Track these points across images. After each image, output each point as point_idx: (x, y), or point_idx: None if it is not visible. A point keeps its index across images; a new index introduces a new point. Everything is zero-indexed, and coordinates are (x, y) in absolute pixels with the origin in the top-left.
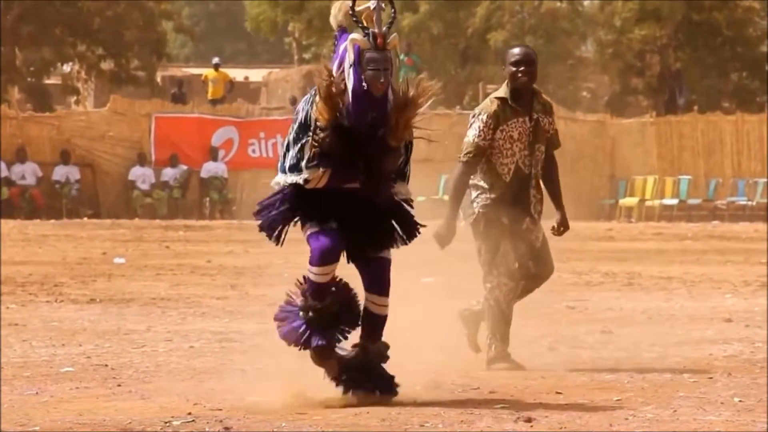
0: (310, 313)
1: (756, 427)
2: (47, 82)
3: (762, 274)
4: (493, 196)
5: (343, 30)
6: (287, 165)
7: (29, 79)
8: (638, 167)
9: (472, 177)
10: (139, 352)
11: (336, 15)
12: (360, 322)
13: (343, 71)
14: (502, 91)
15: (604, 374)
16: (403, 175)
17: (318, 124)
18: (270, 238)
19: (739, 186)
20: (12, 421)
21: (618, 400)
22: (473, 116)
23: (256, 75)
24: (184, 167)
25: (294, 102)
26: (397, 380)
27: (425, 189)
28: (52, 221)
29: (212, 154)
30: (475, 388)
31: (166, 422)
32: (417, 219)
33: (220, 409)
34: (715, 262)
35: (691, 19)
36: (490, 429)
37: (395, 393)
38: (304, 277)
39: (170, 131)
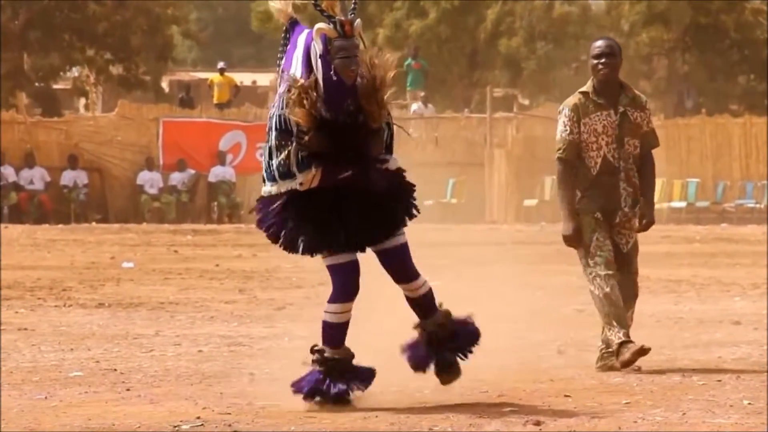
0: (328, 364)
1: (765, 429)
2: (55, 87)
3: None
4: (583, 189)
5: (295, 22)
6: (276, 172)
7: (37, 84)
8: None
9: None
10: (147, 356)
11: (283, 8)
12: (411, 308)
13: (304, 69)
14: (587, 85)
15: (613, 377)
16: (390, 149)
17: (299, 127)
18: (296, 252)
19: (748, 189)
20: (21, 426)
21: (627, 403)
22: (559, 113)
23: (264, 79)
24: (192, 171)
25: None
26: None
27: (433, 193)
28: (61, 226)
29: (220, 159)
30: (484, 391)
31: (174, 426)
32: (412, 192)
33: (229, 413)
34: (724, 265)
35: (698, 22)
36: None
37: (476, 340)
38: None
39: (178, 136)
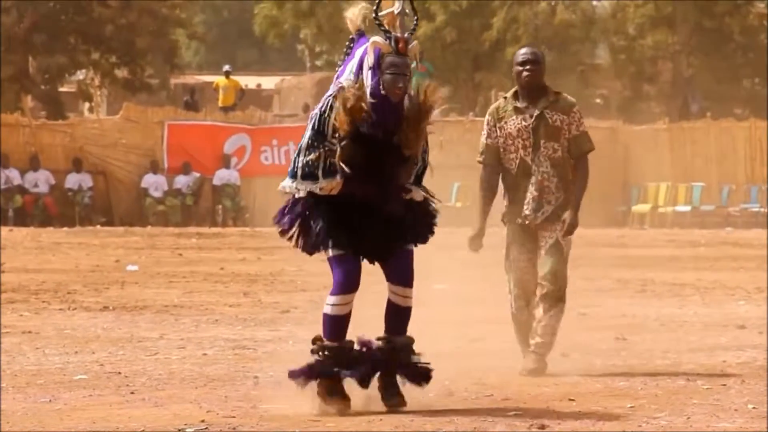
0: (325, 352)
1: None
2: (60, 90)
3: None
4: (508, 194)
5: (361, 34)
6: (300, 171)
7: (42, 86)
8: (651, 174)
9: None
10: (152, 359)
11: (354, 19)
12: (384, 316)
13: (361, 78)
14: (511, 90)
15: (618, 381)
16: (419, 181)
17: (337, 133)
18: (311, 254)
19: (752, 193)
20: (25, 429)
21: (631, 407)
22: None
23: (268, 82)
24: (197, 174)
25: (307, 109)
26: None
27: (438, 196)
28: (65, 229)
29: (225, 162)
30: (488, 395)
31: (179, 429)
32: (432, 220)
33: (233, 417)
34: (729, 269)
35: (703, 26)
36: None
37: (429, 379)
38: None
39: (183, 139)
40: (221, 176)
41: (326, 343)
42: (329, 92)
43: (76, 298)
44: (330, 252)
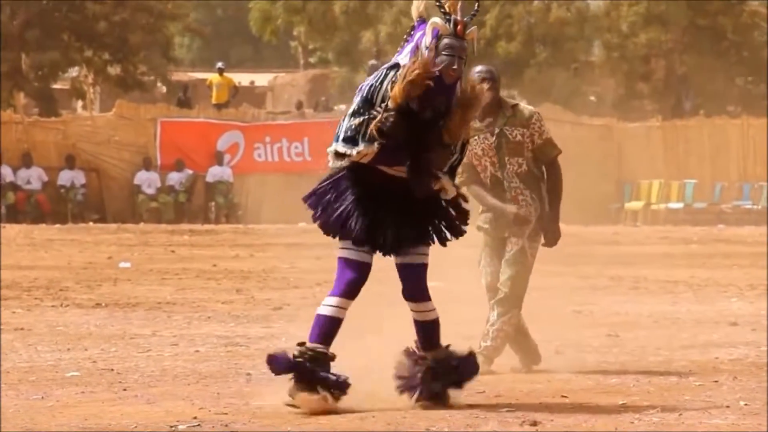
0: (308, 354)
1: (762, 430)
2: (53, 87)
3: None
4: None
5: (422, 20)
6: (342, 135)
7: (35, 83)
8: (644, 171)
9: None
10: (144, 356)
11: (418, 6)
12: (416, 334)
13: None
14: None
15: (610, 378)
16: (453, 173)
17: (385, 102)
18: (334, 237)
19: (745, 190)
20: (18, 426)
21: (624, 403)
22: None
23: (261, 79)
24: (190, 172)
25: (300, 106)
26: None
27: None
28: (58, 226)
29: (218, 159)
30: (481, 391)
31: (171, 426)
32: (461, 220)
33: (226, 414)
34: (721, 266)
35: (696, 24)
36: None
37: (473, 374)
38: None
39: (176, 136)
40: (214, 173)
41: (312, 346)
42: (383, 66)
43: (69, 295)
44: (343, 252)
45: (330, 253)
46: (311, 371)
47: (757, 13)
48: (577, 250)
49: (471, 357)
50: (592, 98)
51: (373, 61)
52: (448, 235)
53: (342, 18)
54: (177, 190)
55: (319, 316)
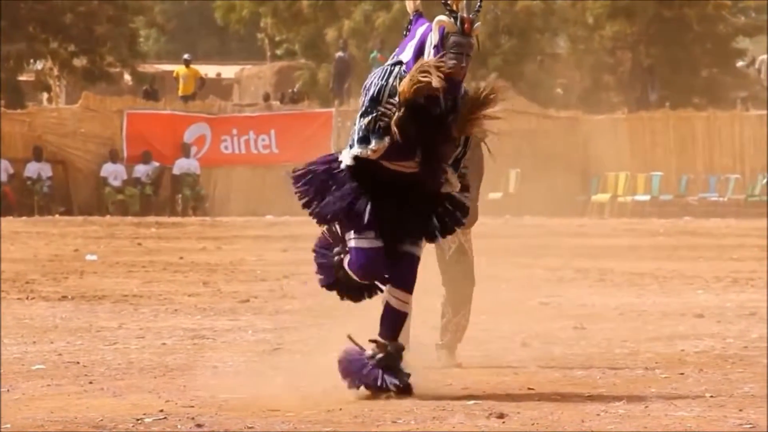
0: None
1: (727, 422)
2: (20, 78)
3: (733, 269)
4: None
5: (419, 15)
6: (356, 137)
7: (1, 75)
8: (610, 163)
9: None
10: (111, 349)
11: (414, 0)
12: (380, 318)
13: (414, 58)
14: None
15: (577, 370)
16: (457, 166)
17: (392, 98)
18: (321, 223)
19: (711, 182)
20: None
21: (590, 395)
22: None
23: (228, 71)
24: (156, 164)
25: (267, 98)
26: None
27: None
28: (24, 218)
29: (184, 151)
30: (448, 384)
31: (138, 419)
32: (462, 213)
33: (192, 406)
34: (687, 258)
35: (662, 16)
36: (462, 425)
37: (408, 393)
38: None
39: (142, 128)
40: (181, 165)
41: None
42: (386, 63)
43: (35, 288)
44: (353, 242)
45: (297, 245)
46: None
47: (722, 5)
48: (543, 242)
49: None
50: (559, 90)
51: (340, 54)
52: (449, 226)
53: (309, 11)
54: (144, 182)
55: (353, 249)
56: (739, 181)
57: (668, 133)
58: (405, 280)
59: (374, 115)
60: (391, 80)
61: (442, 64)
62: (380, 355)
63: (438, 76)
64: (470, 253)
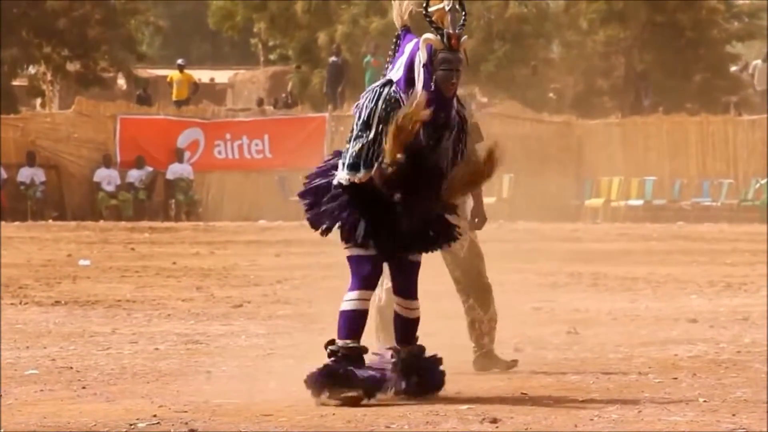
0: (340, 352)
1: (720, 427)
2: (13, 83)
3: (726, 274)
4: None
5: (407, 30)
6: (346, 161)
7: None
8: (604, 168)
9: None
10: (104, 354)
11: (402, 14)
12: (393, 327)
13: (405, 76)
14: None
15: (570, 375)
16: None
17: (381, 125)
18: (317, 230)
19: (704, 187)
20: None
21: (583, 400)
22: None
23: (222, 76)
24: (150, 169)
25: (261, 103)
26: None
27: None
28: (17, 223)
29: (178, 156)
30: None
31: (131, 424)
32: (456, 225)
33: (186, 411)
34: (681, 263)
35: (655, 21)
36: (456, 430)
37: (441, 386)
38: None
39: (136, 133)
40: (174, 170)
41: (342, 343)
42: (376, 84)
43: (28, 293)
44: (352, 251)
45: (290, 250)
46: (345, 370)
47: (716, 9)
48: (536, 246)
49: (439, 365)
50: (552, 95)
51: (333, 58)
52: (443, 240)
53: (303, 16)
54: (137, 187)
55: (340, 313)
56: (732, 185)
57: (661, 137)
58: (408, 290)
59: (365, 141)
60: (380, 103)
61: (416, 112)
62: (398, 359)
63: (412, 128)
64: (479, 245)
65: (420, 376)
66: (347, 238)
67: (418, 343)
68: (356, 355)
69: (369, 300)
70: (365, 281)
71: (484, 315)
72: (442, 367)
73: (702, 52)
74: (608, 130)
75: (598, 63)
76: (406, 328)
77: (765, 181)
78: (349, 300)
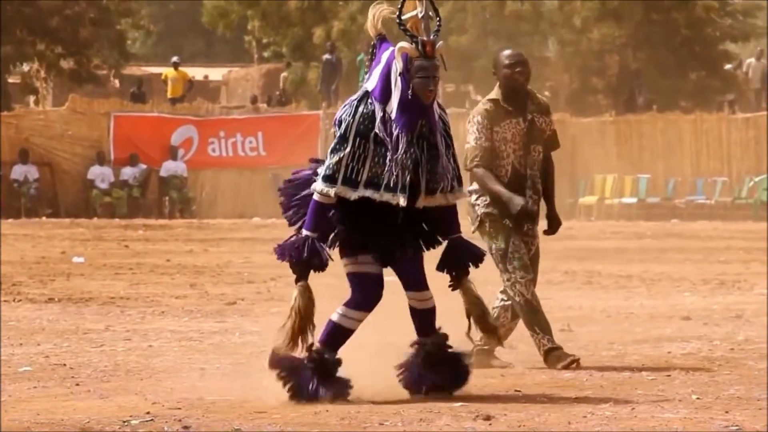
0: (316, 359)
1: (714, 424)
2: (6, 80)
3: (720, 272)
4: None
5: (383, 38)
6: (323, 173)
7: None
8: (598, 166)
9: (471, 182)
10: (97, 351)
11: (375, 24)
12: (412, 321)
13: (381, 85)
14: (494, 93)
15: (563, 372)
16: (459, 179)
17: (359, 139)
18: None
19: (698, 185)
20: None
21: (577, 398)
22: (469, 122)
23: (216, 74)
24: (144, 166)
25: (255, 101)
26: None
27: None
28: (11, 220)
29: (172, 153)
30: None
31: (124, 421)
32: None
33: (179, 408)
34: (674, 261)
35: (650, 19)
36: (449, 427)
37: (466, 380)
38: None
39: (129, 130)
40: (168, 168)
41: (320, 350)
42: (353, 97)
43: (22, 290)
44: (353, 268)
45: None
46: (318, 378)
47: (711, 7)
48: None
49: (465, 357)
50: (547, 93)
51: (327, 56)
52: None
53: (296, 13)
54: (131, 184)
55: (334, 323)
56: (726, 183)
57: (655, 135)
58: (418, 281)
59: (342, 155)
60: (357, 117)
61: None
62: (423, 352)
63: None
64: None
65: (449, 366)
66: (344, 253)
67: (440, 332)
68: (329, 366)
69: (362, 321)
70: (364, 304)
71: (510, 322)
72: (466, 357)
73: (696, 51)
74: (602, 128)
75: (593, 61)
76: (424, 318)
77: (759, 179)
78: (343, 315)
